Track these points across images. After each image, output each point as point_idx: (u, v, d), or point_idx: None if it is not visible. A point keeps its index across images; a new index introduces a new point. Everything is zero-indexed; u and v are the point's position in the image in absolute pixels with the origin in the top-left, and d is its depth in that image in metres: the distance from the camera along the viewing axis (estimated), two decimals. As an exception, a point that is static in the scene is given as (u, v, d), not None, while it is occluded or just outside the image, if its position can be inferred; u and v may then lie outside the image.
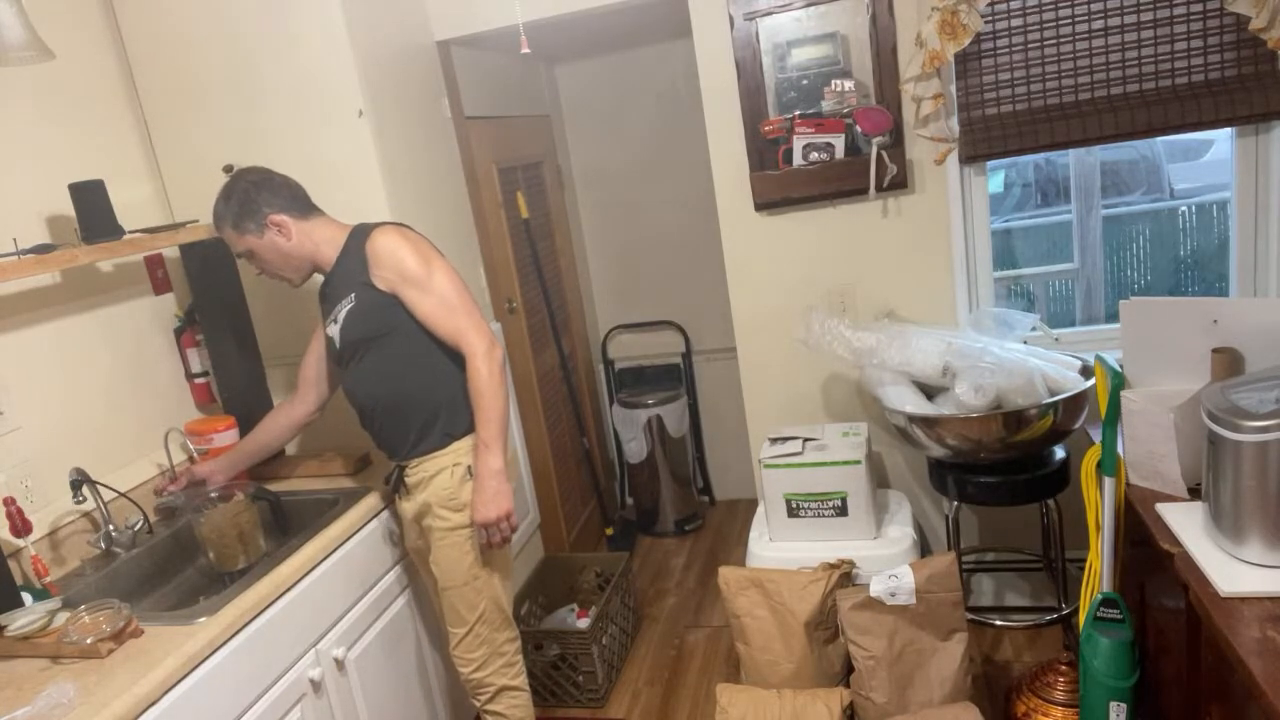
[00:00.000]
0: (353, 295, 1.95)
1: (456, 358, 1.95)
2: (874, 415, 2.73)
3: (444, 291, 1.91)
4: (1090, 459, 1.84)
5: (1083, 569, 1.90)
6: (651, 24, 3.17)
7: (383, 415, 2.00)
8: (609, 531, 3.63)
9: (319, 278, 2.06)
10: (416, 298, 1.91)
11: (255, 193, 1.93)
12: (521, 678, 2.13)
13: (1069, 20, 2.37)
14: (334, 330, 1.99)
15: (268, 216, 1.93)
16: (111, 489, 2.06)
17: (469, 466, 1.96)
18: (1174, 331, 1.77)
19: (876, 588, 2.12)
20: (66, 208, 2.09)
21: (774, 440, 2.51)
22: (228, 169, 2.31)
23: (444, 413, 1.97)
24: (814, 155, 2.55)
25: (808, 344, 2.49)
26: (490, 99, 3.09)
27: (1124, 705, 1.73)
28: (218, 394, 2.47)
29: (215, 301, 2.36)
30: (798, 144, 2.54)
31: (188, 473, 2.20)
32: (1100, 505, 1.80)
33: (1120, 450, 1.79)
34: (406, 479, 2.02)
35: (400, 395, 1.97)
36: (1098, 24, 2.36)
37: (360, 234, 1.97)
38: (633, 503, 3.85)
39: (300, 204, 1.99)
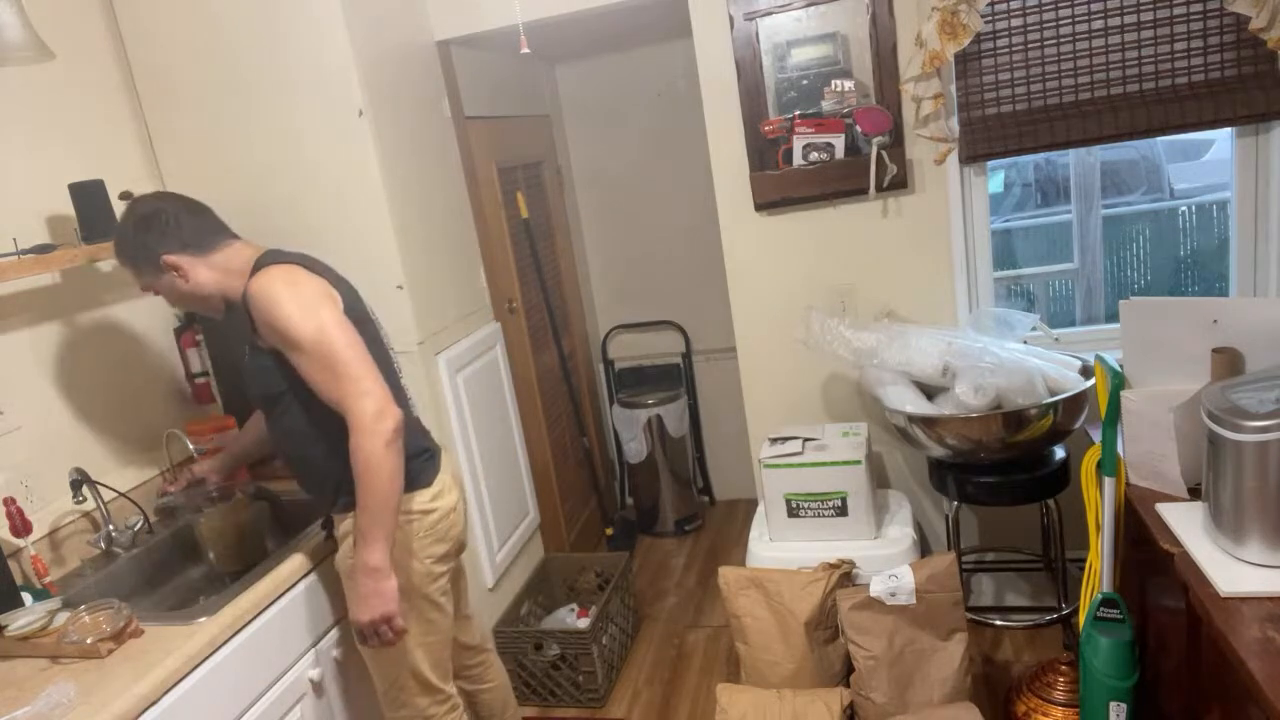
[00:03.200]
0: (246, 348, 1.75)
1: None
2: (874, 415, 2.73)
3: (324, 353, 1.60)
4: (1090, 459, 1.84)
5: (1083, 569, 1.90)
6: (651, 24, 3.17)
7: (300, 470, 1.84)
8: (609, 531, 3.63)
9: None
10: (297, 360, 1.64)
11: (145, 232, 1.71)
12: None
13: (1069, 20, 2.37)
14: None
15: (161, 258, 1.71)
16: (111, 489, 2.06)
17: None
18: (1174, 331, 1.77)
19: (876, 588, 2.12)
20: (66, 208, 2.09)
21: (774, 440, 2.51)
22: (124, 196, 2.14)
23: (350, 477, 1.68)
24: (814, 155, 2.55)
25: (808, 344, 2.49)
26: (490, 99, 3.09)
27: (1124, 705, 1.73)
28: (218, 394, 2.47)
29: (215, 301, 2.36)
30: (798, 144, 2.54)
31: (188, 473, 2.20)
32: (1100, 505, 1.80)
33: (1120, 450, 1.79)
34: (336, 530, 1.85)
35: (310, 455, 1.78)
36: (1098, 24, 2.36)
37: (254, 272, 1.70)
38: (633, 503, 3.85)
39: (200, 237, 1.73)
